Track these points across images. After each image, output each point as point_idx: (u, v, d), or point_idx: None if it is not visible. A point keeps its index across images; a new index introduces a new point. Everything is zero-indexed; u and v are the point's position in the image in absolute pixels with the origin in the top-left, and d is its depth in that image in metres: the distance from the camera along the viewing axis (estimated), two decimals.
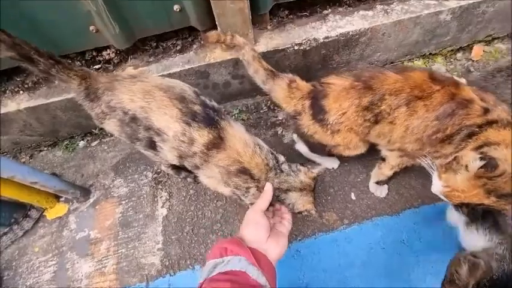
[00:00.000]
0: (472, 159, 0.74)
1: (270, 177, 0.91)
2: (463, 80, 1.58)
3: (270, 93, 1.07)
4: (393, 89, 0.87)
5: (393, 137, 0.94)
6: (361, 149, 1.06)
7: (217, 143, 0.88)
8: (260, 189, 0.90)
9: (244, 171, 0.89)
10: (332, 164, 1.31)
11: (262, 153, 0.92)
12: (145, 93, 0.88)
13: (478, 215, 0.89)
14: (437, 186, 0.83)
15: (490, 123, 0.81)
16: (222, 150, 0.88)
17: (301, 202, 0.93)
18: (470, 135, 0.82)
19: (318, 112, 0.96)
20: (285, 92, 1.02)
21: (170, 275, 1.16)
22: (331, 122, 0.94)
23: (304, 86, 1.02)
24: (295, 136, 1.28)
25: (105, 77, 0.94)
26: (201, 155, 0.89)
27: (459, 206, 0.85)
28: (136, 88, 0.89)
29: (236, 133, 0.91)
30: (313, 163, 1.25)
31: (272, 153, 0.95)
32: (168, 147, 0.90)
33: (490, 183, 0.73)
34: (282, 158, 0.97)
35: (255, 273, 0.63)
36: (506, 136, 0.78)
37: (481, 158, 0.72)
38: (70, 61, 0.95)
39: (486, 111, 0.83)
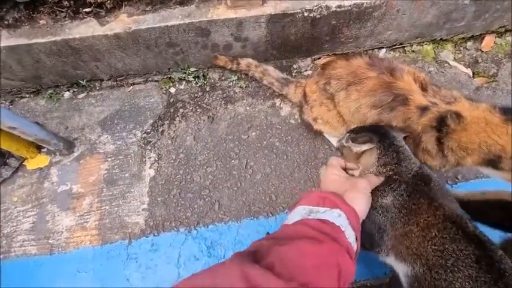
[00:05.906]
0: None
1: None
2: (468, 71, 1.55)
3: (286, 95, 1.32)
4: (337, 74, 0.96)
5: (344, 117, 1.02)
6: (336, 125, 1.09)
7: None
8: None
9: None
10: None
11: None
12: None
13: None
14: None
15: (444, 121, 0.75)
16: None
17: None
18: (440, 142, 0.78)
19: (305, 97, 1.16)
20: (294, 91, 1.28)
21: (154, 235, 1.15)
22: (308, 101, 1.13)
23: (304, 82, 1.23)
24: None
25: None
26: None
27: None
28: None
29: None
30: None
31: None
32: None
33: None
34: None
35: (351, 237, 0.52)
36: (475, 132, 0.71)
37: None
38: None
39: (424, 109, 0.78)
